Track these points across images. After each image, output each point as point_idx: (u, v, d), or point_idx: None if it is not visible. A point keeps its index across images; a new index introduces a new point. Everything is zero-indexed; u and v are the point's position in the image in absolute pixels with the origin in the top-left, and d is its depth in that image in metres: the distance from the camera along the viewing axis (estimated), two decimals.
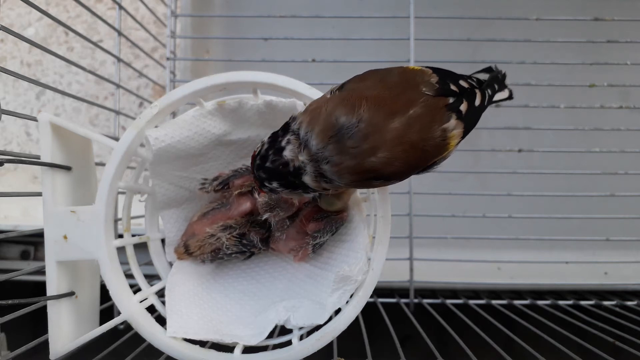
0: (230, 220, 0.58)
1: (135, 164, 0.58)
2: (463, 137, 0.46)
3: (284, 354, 0.50)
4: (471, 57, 0.91)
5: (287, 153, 0.42)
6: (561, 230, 0.83)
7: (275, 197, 0.54)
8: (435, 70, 0.47)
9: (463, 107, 0.45)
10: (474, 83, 0.49)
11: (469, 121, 0.46)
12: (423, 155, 0.44)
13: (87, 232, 0.50)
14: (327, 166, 0.41)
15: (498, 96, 0.57)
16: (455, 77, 0.48)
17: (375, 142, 0.40)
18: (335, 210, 0.55)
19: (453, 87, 0.46)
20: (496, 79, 0.55)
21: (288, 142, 0.42)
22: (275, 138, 0.44)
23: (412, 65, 0.66)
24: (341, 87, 0.45)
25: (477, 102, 0.48)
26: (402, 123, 0.41)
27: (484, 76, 0.55)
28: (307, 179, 0.43)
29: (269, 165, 0.43)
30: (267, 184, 0.45)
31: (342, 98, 0.43)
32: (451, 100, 0.45)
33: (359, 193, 0.56)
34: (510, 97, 0.58)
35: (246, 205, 0.58)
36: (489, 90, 0.51)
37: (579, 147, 0.83)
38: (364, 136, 0.40)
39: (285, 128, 0.44)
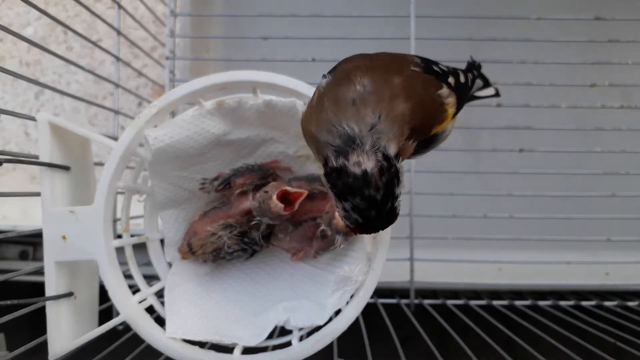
0: (231, 219, 0.57)
1: (134, 163, 0.57)
2: (457, 111, 0.46)
3: (283, 354, 0.50)
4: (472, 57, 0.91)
5: (368, 164, 0.36)
6: (562, 231, 0.83)
7: (264, 206, 0.53)
8: (417, 56, 0.48)
9: (451, 80, 0.46)
10: (448, 69, 0.50)
11: (459, 94, 0.46)
12: (430, 113, 0.42)
13: (86, 232, 0.49)
14: (380, 119, 0.37)
15: (484, 93, 0.57)
16: (434, 62, 0.48)
17: (391, 92, 0.38)
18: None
19: (436, 68, 0.47)
20: (473, 66, 0.56)
21: (356, 164, 0.36)
22: (349, 187, 0.36)
23: None
24: (331, 71, 0.43)
25: (462, 79, 0.48)
26: (404, 78, 0.40)
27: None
28: (392, 148, 0.37)
29: (382, 194, 0.36)
30: (396, 205, 0.38)
31: (336, 81, 0.40)
32: (437, 76, 0.46)
33: None
34: (497, 94, 0.59)
35: (247, 203, 0.58)
36: (470, 74, 0.52)
37: (580, 147, 0.83)
38: (379, 90, 0.38)
39: (338, 172, 0.37)
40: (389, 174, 0.36)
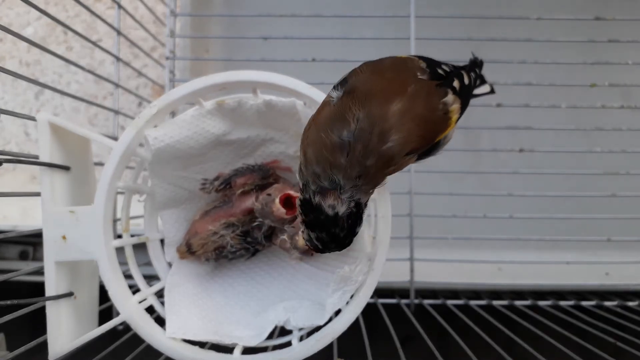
0: (233, 217, 0.57)
1: (134, 163, 0.57)
2: (461, 115, 0.47)
3: (283, 354, 0.50)
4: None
5: (341, 209, 0.41)
6: (562, 231, 0.83)
7: (266, 209, 0.54)
8: (420, 57, 0.48)
9: (456, 84, 0.46)
10: (453, 69, 0.50)
11: (464, 98, 0.47)
12: (433, 127, 0.44)
13: (86, 232, 0.49)
14: (362, 180, 0.41)
15: (480, 90, 0.57)
16: (438, 63, 0.49)
17: (381, 129, 0.40)
18: None
19: (440, 71, 0.47)
20: (474, 64, 0.56)
21: (331, 207, 0.41)
22: (319, 221, 0.42)
23: None
24: (341, 84, 0.44)
25: (466, 81, 0.49)
26: (404, 102, 0.41)
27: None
28: (363, 199, 0.42)
29: (345, 233, 0.42)
30: (354, 239, 0.44)
31: (335, 113, 0.42)
32: (443, 80, 0.46)
33: None
34: (492, 92, 0.59)
35: (249, 202, 0.58)
36: (472, 73, 0.52)
37: (580, 147, 0.83)
38: (369, 130, 0.40)
39: (312, 207, 0.42)
40: (355, 217, 0.42)
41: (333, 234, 0.42)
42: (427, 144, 0.44)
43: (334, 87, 0.44)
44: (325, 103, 0.44)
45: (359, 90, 0.42)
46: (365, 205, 0.43)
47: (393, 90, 0.42)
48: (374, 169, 0.41)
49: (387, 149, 0.40)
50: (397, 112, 0.41)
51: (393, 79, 0.43)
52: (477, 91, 0.56)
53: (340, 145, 0.40)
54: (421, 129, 0.42)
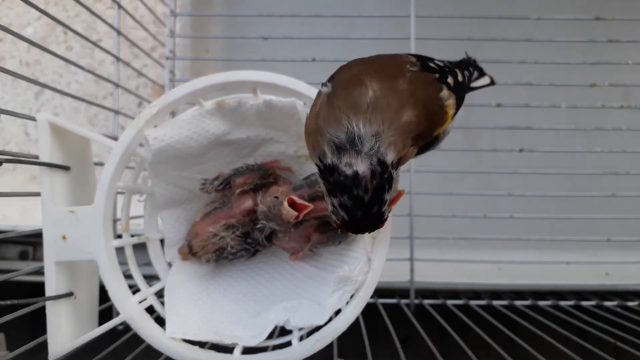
0: (233, 219, 0.57)
1: (134, 163, 0.57)
2: (456, 111, 0.46)
3: (283, 354, 0.50)
4: (472, 57, 0.91)
5: (361, 167, 0.37)
6: (562, 231, 0.83)
7: (274, 212, 0.54)
8: (409, 54, 0.48)
9: (450, 80, 0.46)
10: (447, 64, 0.50)
11: (458, 94, 0.47)
12: (433, 117, 0.43)
13: (86, 232, 0.49)
14: (384, 127, 0.38)
15: (480, 82, 0.57)
16: (430, 59, 0.48)
17: (398, 100, 0.39)
18: None
19: (432, 65, 0.47)
20: (468, 63, 0.56)
21: (348, 164, 0.37)
22: (340, 184, 0.37)
23: None
24: (330, 80, 0.44)
25: (460, 78, 0.49)
26: (407, 83, 0.41)
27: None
28: (390, 155, 0.38)
29: (370, 197, 0.37)
30: (384, 210, 0.39)
31: (346, 84, 0.41)
32: (437, 75, 0.46)
33: None
34: (492, 83, 0.58)
35: (248, 203, 0.58)
36: (467, 72, 0.52)
37: (580, 147, 0.83)
38: (386, 100, 0.39)
39: (330, 169, 0.38)
40: (381, 179, 0.37)
41: (356, 197, 0.37)
42: (429, 134, 0.43)
43: (323, 85, 0.44)
44: (319, 96, 0.43)
45: (365, 70, 0.41)
46: (395, 167, 0.38)
47: (395, 73, 0.41)
48: (398, 126, 0.37)
49: (406, 122, 0.38)
50: (405, 90, 0.40)
51: (389, 66, 0.43)
52: (477, 83, 0.56)
53: (359, 103, 0.38)
54: (427, 115, 0.41)
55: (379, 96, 0.39)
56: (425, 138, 0.42)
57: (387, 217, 0.40)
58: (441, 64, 0.49)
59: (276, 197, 0.54)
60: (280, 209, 0.52)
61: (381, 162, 0.37)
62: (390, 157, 0.38)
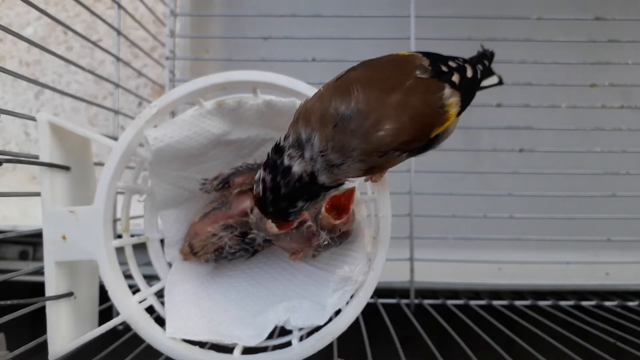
0: (231, 219, 0.58)
1: (134, 163, 0.57)
2: (462, 109, 0.47)
3: (283, 354, 0.50)
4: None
5: (296, 167, 0.40)
6: (562, 231, 0.83)
7: (260, 224, 0.53)
8: (425, 54, 0.48)
9: (455, 78, 0.46)
10: (461, 63, 0.50)
11: (465, 91, 0.47)
12: (428, 121, 0.43)
13: (86, 232, 0.49)
14: (335, 155, 0.40)
15: (488, 82, 0.57)
16: (444, 59, 0.48)
17: (378, 116, 0.40)
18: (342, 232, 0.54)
19: (444, 69, 0.47)
20: (484, 56, 0.56)
21: (291, 157, 0.41)
22: (273, 165, 0.41)
23: None
24: (337, 78, 0.45)
25: (469, 74, 0.49)
26: (401, 94, 0.42)
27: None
28: (323, 177, 0.41)
29: (285, 191, 0.41)
30: (292, 211, 0.43)
31: (335, 87, 0.43)
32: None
33: (360, 193, 0.56)
34: (500, 83, 0.58)
35: (246, 203, 0.58)
36: (479, 66, 0.52)
37: (580, 147, 0.83)
38: (365, 115, 0.40)
39: (278, 150, 0.42)
40: (304, 188, 0.41)
41: (276, 183, 0.41)
42: (422, 139, 0.44)
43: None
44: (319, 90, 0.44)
45: (361, 77, 0.42)
46: (325, 190, 0.42)
47: (391, 84, 0.42)
48: (357, 152, 0.40)
49: (379, 136, 0.40)
50: (394, 104, 0.41)
51: (392, 73, 0.44)
52: (485, 83, 0.56)
53: (334, 116, 0.40)
54: (416, 123, 0.42)
55: (356, 111, 0.40)
56: (418, 142, 0.43)
57: (294, 219, 0.44)
58: (454, 65, 0.48)
59: None
60: (265, 221, 0.52)
61: (312, 177, 0.41)
62: (322, 179, 0.41)
